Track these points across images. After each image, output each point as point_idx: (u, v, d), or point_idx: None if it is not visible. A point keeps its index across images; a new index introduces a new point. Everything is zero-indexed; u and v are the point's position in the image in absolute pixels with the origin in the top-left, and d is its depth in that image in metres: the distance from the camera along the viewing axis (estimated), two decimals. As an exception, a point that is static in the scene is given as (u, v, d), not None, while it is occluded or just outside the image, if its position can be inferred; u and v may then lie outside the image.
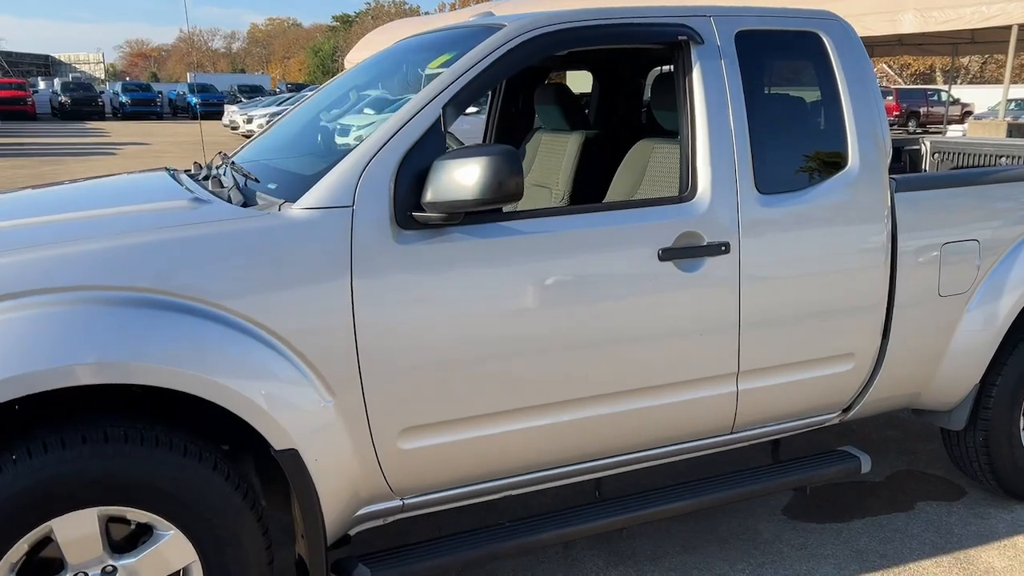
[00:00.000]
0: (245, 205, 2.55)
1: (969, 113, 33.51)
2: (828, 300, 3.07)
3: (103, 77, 73.73)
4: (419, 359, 2.49)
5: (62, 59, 78.00)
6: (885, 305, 3.20)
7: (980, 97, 36.14)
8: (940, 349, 3.39)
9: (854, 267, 3.10)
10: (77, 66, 75.66)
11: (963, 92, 38.42)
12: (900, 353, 3.29)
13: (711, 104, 2.91)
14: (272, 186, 2.67)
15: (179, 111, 46.21)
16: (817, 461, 3.33)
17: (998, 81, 46.27)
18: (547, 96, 4.15)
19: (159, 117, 42.54)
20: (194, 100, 42.95)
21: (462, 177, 2.38)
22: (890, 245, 3.16)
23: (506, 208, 2.59)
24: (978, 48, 23.88)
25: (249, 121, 27.08)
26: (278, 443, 2.33)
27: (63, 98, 40.64)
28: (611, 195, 3.55)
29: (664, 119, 3.36)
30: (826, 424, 3.37)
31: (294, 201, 2.45)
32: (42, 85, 53.59)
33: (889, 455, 4.31)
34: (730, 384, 3.00)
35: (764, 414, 3.14)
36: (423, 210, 2.46)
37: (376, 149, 2.48)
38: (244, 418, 2.28)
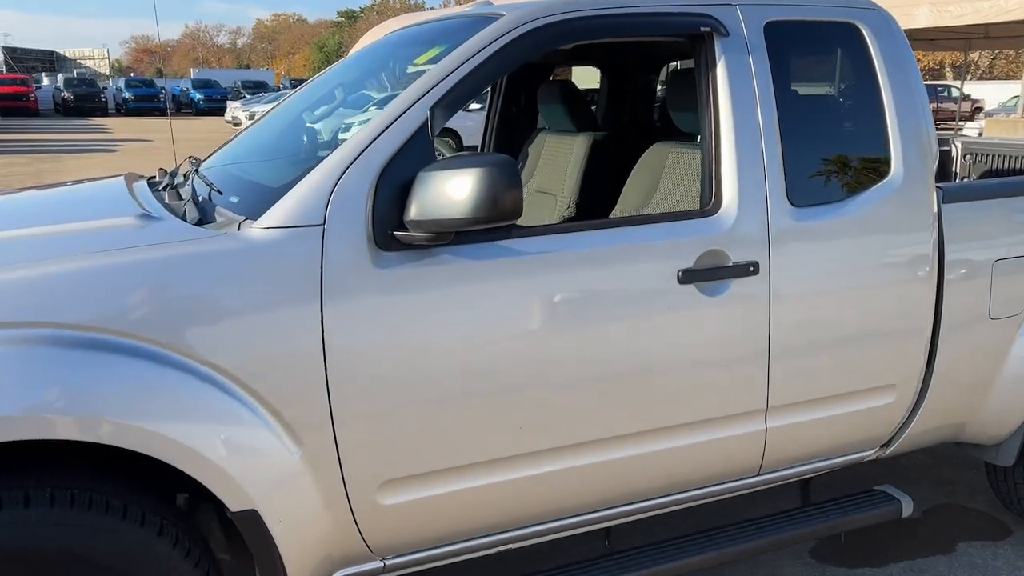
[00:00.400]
0: (200, 223, 2.21)
1: (980, 109, 33.04)
2: (868, 325, 2.72)
3: (108, 73, 73.49)
4: (402, 399, 2.15)
5: (67, 55, 77.76)
6: (930, 329, 2.84)
7: (990, 93, 35.67)
8: (989, 377, 3.03)
9: (897, 288, 2.74)
10: (82, 62, 75.41)
11: (973, 88, 37.93)
12: (946, 382, 2.94)
13: (737, 104, 2.55)
14: (234, 199, 2.33)
15: (182, 107, 45.91)
16: (852, 503, 2.98)
17: (1008, 77, 45.77)
18: (551, 94, 3.79)
19: (162, 113, 42.24)
20: (197, 96, 42.68)
21: (451, 192, 2.03)
22: (936, 262, 2.81)
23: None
24: (992, 43, 23.42)
25: (251, 117, 26.78)
26: (235, 503, 1.99)
27: (66, 94, 40.37)
28: (622, 204, 3.20)
29: (682, 120, 3.00)
30: (863, 461, 3.02)
31: (256, 218, 2.11)
32: (46, 81, 53.31)
33: (923, 485, 3.95)
34: (758, 422, 2.65)
35: (795, 453, 2.79)
36: (407, 229, 2.11)
37: (351, 159, 2.13)
38: (192, 475, 1.94)
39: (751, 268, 2.52)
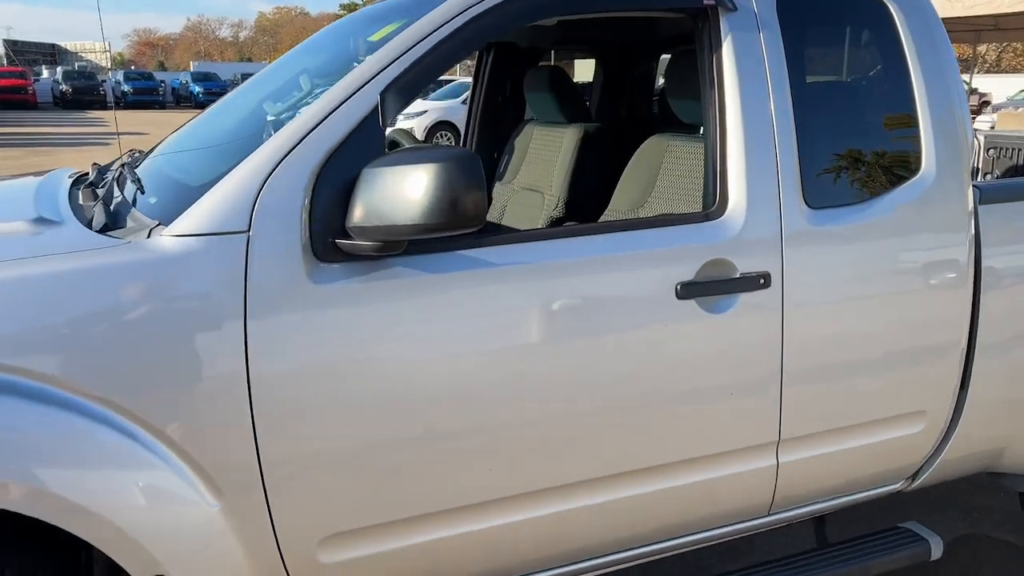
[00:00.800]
0: (107, 229, 1.85)
1: (987, 103, 32.58)
2: (895, 343, 2.37)
3: (109, 66, 73.12)
4: (346, 437, 1.81)
5: (68, 48, 77.40)
6: (965, 346, 2.49)
7: (996, 86, 35.17)
8: (1029, 400, 2.68)
9: (927, 300, 2.39)
10: (84, 55, 75.01)
11: (979, 81, 37.46)
12: (982, 404, 2.59)
13: (747, 90, 2.20)
14: (152, 200, 1.98)
15: (182, 100, 45.50)
16: (875, 544, 2.62)
17: (1016, 70, 45.29)
18: (539, 81, 3.44)
19: (162, 106, 41.87)
20: (197, 89, 42.30)
21: (401, 192, 1.68)
22: (972, 272, 2.45)
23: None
24: (1002, 35, 22.96)
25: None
26: (138, 569, 1.65)
27: (64, 87, 39.95)
28: (615, 204, 2.85)
29: (682, 109, 2.65)
30: (887, 494, 2.67)
31: (170, 223, 1.76)
32: (45, 74, 53.00)
33: (948, 512, 3.60)
34: (768, 456, 2.30)
35: (810, 490, 2.44)
36: (351, 236, 1.76)
37: (284, 152, 1.78)
38: (85, 538, 1.59)
39: (761, 280, 2.17)
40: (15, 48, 67.93)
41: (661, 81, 4.46)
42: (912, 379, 2.42)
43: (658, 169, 2.74)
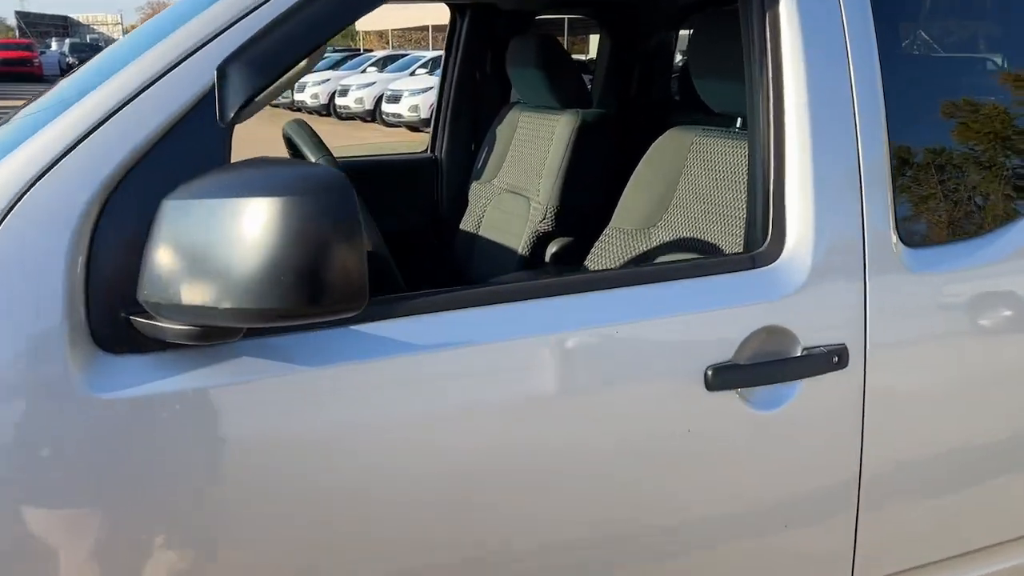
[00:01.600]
0: None
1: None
2: None
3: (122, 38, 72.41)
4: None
5: (80, 20, 76.85)
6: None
7: None
8: None
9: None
10: (95, 27, 74.47)
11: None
12: None
13: (815, 67, 1.43)
14: None
15: (190, 73, 44.76)
16: None
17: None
18: (525, 53, 2.66)
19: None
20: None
21: (218, 246, 0.94)
22: None
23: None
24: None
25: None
26: None
27: (71, 59, 39.43)
28: (620, 218, 2.11)
29: (714, 93, 1.88)
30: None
31: None
32: (54, 47, 52.42)
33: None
34: (835, 611, 1.56)
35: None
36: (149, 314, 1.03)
37: (36, 170, 1.04)
38: None
39: (835, 358, 1.42)
40: (27, 20, 67.37)
41: (679, 58, 3.69)
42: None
43: (678, 174, 1.99)
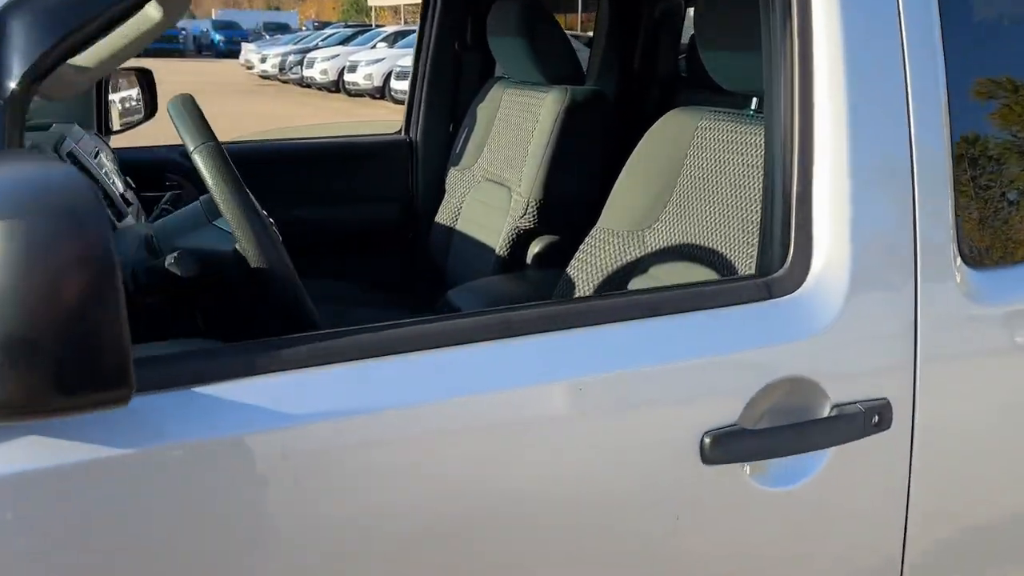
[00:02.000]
0: None
1: None
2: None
3: (136, 13, 72.03)
4: None
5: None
6: None
7: None
8: None
9: None
10: None
11: None
12: None
13: (855, 38, 1.07)
14: None
15: (203, 49, 44.35)
16: None
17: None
18: (506, 21, 2.29)
19: (182, 55, 40.77)
20: (217, 38, 41.24)
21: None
22: None
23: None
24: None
25: (263, 60, 25.27)
26: None
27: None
28: (609, 217, 1.76)
29: (725, 69, 1.52)
30: None
31: None
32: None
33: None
34: None
35: None
36: None
37: None
38: None
39: (875, 418, 1.07)
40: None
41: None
42: None
43: (679, 166, 1.64)
